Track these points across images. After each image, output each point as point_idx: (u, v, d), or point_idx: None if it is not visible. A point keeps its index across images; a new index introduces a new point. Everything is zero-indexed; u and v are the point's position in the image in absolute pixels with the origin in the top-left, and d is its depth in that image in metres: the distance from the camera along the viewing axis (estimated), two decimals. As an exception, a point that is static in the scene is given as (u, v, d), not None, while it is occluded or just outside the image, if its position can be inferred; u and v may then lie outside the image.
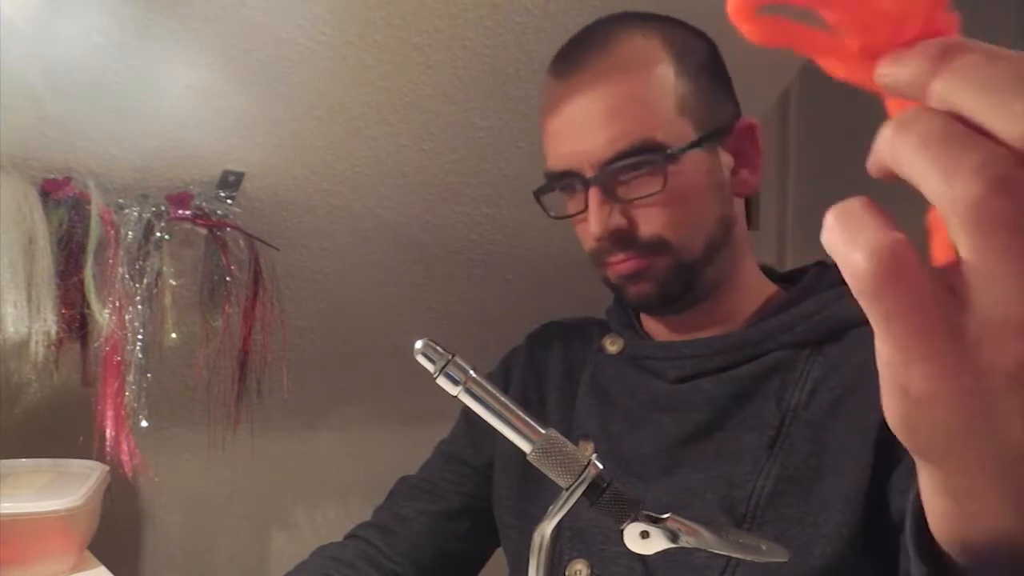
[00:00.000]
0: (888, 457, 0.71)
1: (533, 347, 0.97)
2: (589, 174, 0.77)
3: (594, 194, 0.77)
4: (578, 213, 0.80)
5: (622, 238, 0.78)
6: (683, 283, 0.80)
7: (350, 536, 0.95)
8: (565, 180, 0.80)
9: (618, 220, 0.77)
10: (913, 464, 0.31)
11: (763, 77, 1.32)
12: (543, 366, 0.94)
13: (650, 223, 0.77)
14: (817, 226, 0.27)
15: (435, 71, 1.04)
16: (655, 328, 0.88)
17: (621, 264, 0.79)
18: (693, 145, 0.76)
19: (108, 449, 0.95)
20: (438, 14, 0.98)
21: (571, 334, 0.96)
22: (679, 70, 0.77)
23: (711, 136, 0.78)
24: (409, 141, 1.10)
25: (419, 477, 0.98)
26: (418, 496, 0.95)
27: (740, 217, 0.84)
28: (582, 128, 0.77)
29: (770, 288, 0.87)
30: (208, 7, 0.89)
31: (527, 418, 0.58)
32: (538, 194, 0.84)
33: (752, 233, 0.93)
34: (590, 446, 0.84)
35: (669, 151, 0.75)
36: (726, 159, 0.81)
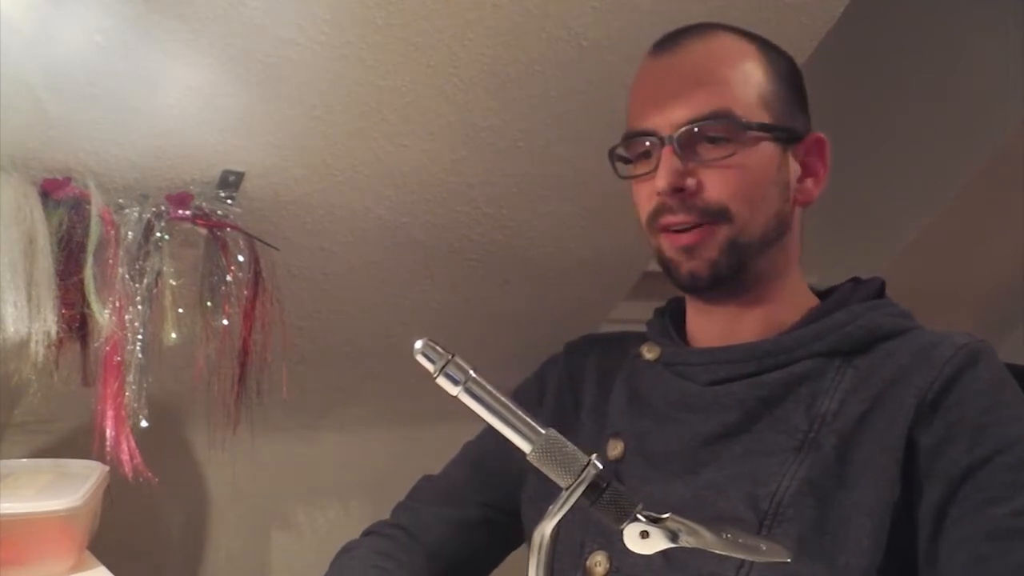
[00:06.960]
0: (912, 473, 0.72)
1: (570, 354, 0.99)
2: (666, 133, 0.80)
3: (667, 151, 0.80)
4: (646, 173, 0.83)
5: (686, 198, 0.80)
6: (735, 263, 0.81)
7: (373, 534, 0.94)
8: (642, 137, 0.83)
9: (686, 180, 0.80)
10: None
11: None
12: (579, 372, 0.96)
13: (716, 188, 0.80)
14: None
15: (435, 71, 1.04)
16: (695, 336, 0.90)
17: (682, 233, 0.81)
18: (767, 128, 0.80)
19: (108, 449, 0.95)
20: (438, 14, 0.98)
21: (609, 344, 0.98)
22: (767, 71, 0.83)
23: (784, 133, 0.82)
24: (409, 141, 1.10)
25: (444, 481, 0.98)
26: (441, 502, 0.96)
27: (798, 228, 0.86)
28: (668, 95, 0.81)
29: (813, 302, 0.88)
30: (208, 7, 0.89)
31: (527, 418, 0.58)
32: (612, 153, 0.87)
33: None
34: (620, 444, 0.85)
35: (744, 121, 0.79)
36: (794, 166, 0.84)
